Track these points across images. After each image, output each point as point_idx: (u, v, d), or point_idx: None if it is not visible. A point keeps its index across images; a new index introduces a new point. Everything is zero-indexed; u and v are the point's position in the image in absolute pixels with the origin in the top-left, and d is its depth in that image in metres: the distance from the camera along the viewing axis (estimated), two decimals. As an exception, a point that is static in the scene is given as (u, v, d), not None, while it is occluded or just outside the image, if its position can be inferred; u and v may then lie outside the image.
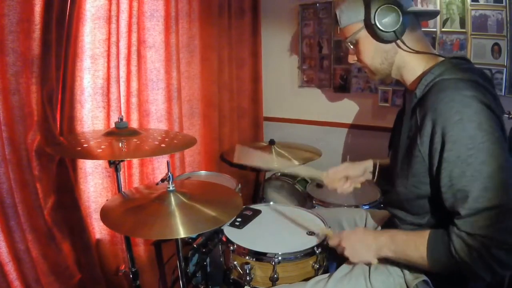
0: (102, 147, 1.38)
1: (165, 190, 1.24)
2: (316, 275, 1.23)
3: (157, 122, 2.04)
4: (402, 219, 1.12)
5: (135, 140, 1.47)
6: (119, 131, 1.49)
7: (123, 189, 1.63)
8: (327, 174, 1.39)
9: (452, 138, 0.88)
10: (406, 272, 1.06)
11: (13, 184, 1.34)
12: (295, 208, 1.56)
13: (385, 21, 1.00)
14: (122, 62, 1.82)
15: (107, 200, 1.46)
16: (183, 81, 2.18)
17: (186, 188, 1.34)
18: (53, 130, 1.47)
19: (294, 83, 2.78)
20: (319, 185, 2.04)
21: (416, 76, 1.06)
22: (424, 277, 1.02)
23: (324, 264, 1.29)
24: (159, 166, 2.02)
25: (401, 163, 1.05)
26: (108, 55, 1.70)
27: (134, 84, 1.89)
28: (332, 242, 1.19)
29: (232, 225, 1.40)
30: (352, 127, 2.58)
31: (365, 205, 1.78)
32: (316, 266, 1.24)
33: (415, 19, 1.07)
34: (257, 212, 1.51)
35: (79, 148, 1.38)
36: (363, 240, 1.08)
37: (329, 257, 1.31)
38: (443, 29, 2.10)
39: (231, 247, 1.26)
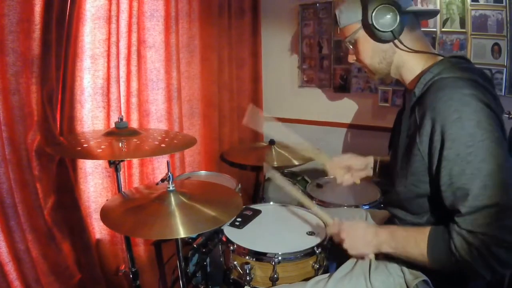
0: (102, 147, 1.38)
1: (165, 190, 1.24)
2: (316, 275, 1.23)
3: (157, 122, 2.04)
4: (402, 219, 1.12)
5: (135, 140, 1.47)
6: (119, 131, 1.49)
7: (123, 189, 1.63)
8: (332, 160, 1.41)
9: (451, 137, 0.88)
10: (406, 272, 1.06)
11: (13, 184, 1.34)
12: (295, 208, 1.56)
13: (382, 21, 1.00)
14: (122, 62, 1.82)
15: (107, 200, 1.46)
16: (183, 81, 2.18)
17: (186, 188, 1.34)
18: (53, 130, 1.47)
19: (294, 83, 2.78)
20: (319, 185, 2.04)
21: (415, 75, 1.07)
22: (424, 277, 1.02)
23: (324, 264, 1.29)
24: (159, 166, 2.02)
25: (401, 162, 1.05)
26: (108, 55, 1.70)
27: (134, 84, 1.89)
28: (331, 230, 1.18)
29: (232, 225, 1.39)
30: (352, 127, 2.58)
31: (365, 205, 1.78)
32: (316, 266, 1.24)
33: (415, 19, 1.08)
34: (257, 212, 1.51)
35: (79, 148, 1.38)
36: (363, 235, 1.08)
37: (329, 257, 1.31)
38: (443, 29, 2.10)
39: (231, 247, 1.26)
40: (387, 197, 1.23)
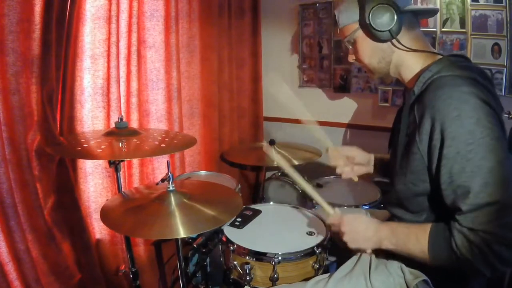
0: (102, 147, 1.38)
1: (165, 190, 1.24)
2: (316, 275, 1.23)
3: (157, 122, 2.04)
4: (401, 218, 1.12)
5: (135, 140, 1.47)
6: (119, 131, 1.49)
7: (123, 189, 1.63)
8: (334, 147, 1.40)
9: (451, 135, 0.88)
10: (406, 272, 1.06)
11: (13, 184, 1.34)
12: (295, 208, 1.56)
13: (380, 20, 1.01)
14: (122, 62, 1.82)
15: (107, 200, 1.46)
16: (183, 81, 2.18)
17: (186, 188, 1.35)
18: (53, 130, 1.47)
19: (294, 83, 2.78)
20: (319, 185, 2.04)
21: (414, 74, 1.07)
22: (424, 277, 1.02)
23: (324, 264, 1.29)
24: (159, 166, 2.02)
25: (400, 160, 1.05)
26: (108, 55, 1.70)
27: (134, 84, 1.89)
28: (331, 221, 1.17)
29: (232, 225, 1.40)
30: (352, 127, 2.58)
31: (365, 205, 1.78)
32: (316, 266, 1.24)
33: (413, 18, 1.08)
34: (257, 212, 1.51)
35: (79, 148, 1.38)
36: (365, 230, 1.08)
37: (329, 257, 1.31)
38: (443, 29, 2.10)
39: (231, 247, 1.26)
40: (387, 196, 1.23)
